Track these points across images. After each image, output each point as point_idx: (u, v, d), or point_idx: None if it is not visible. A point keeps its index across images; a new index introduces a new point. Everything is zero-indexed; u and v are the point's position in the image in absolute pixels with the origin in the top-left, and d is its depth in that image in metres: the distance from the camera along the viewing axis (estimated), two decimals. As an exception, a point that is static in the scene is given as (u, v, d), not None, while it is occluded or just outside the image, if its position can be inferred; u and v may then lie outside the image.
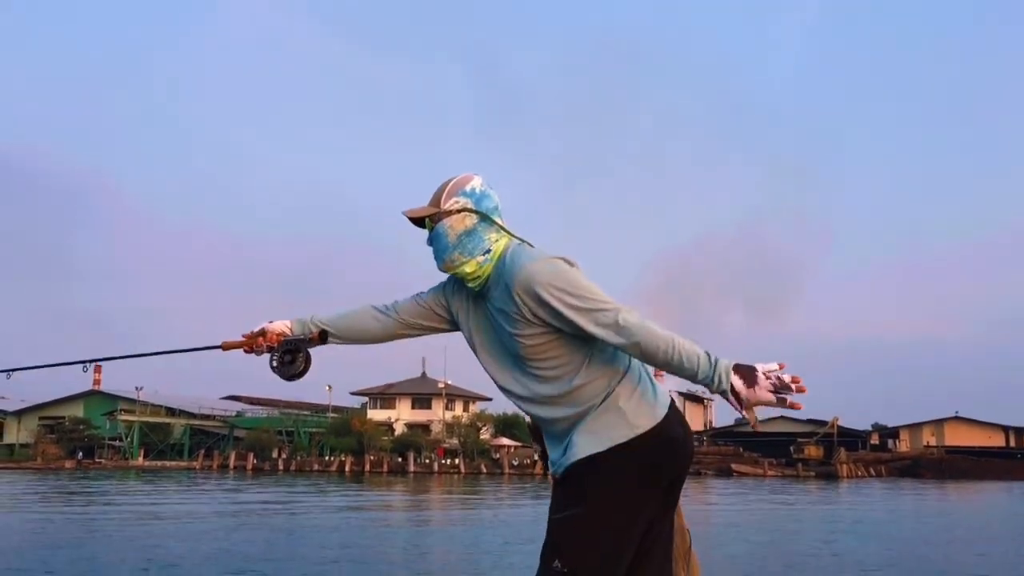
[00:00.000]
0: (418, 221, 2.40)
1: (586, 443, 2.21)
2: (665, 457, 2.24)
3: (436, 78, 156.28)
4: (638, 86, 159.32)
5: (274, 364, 2.46)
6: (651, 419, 2.22)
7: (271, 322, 2.54)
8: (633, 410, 2.22)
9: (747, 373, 2.04)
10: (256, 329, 2.52)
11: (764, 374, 2.04)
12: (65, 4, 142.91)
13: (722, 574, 10.25)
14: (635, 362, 2.28)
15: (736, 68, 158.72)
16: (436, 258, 2.36)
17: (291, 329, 2.52)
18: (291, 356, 2.47)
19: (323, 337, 2.52)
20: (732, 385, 2.02)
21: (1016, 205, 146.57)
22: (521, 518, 20.38)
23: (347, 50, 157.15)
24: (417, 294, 2.55)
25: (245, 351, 2.52)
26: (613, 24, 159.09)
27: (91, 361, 2.72)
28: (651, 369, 2.31)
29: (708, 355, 2.06)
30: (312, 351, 2.51)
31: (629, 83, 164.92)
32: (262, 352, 2.50)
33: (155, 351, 2.76)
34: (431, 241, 2.37)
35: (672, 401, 2.32)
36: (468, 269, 2.32)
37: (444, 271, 2.37)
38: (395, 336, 2.57)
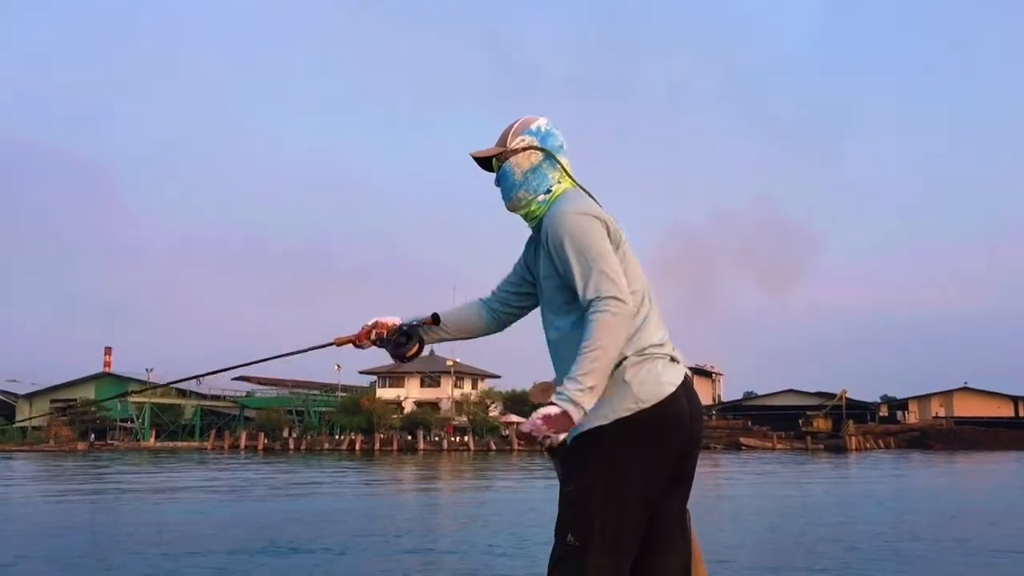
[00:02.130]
0: (485, 163, 2.46)
1: (591, 415, 2.19)
2: (669, 433, 2.24)
3: (447, 46, 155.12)
4: (651, 54, 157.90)
5: (388, 346, 2.61)
6: (657, 394, 2.22)
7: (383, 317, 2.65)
8: (639, 385, 2.22)
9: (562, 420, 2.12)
10: (370, 323, 2.62)
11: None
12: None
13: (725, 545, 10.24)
14: (646, 336, 2.29)
15: (751, 38, 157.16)
16: (503, 197, 2.44)
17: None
18: (405, 338, 2.62)
19: (435, 319, 2.62)
20: (570, 413, 2.10)
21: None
22: (533, 492, 20.45)
23: (357, 16, 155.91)
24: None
25: (356, 344, 2.62)
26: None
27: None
28: (664, 335, 2.33)
29: (592, 388, 2.11)
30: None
31: (642, 51, 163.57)
32: (376, 343, 2.62)
33: (276, 355, 2.89)
34: (498, 181, 2.44)
35: (686, 378, 2.31)
36: (532, 208, 2.39)
37: (511, 210, 2.45)
38: (502, 320, 2.66)
